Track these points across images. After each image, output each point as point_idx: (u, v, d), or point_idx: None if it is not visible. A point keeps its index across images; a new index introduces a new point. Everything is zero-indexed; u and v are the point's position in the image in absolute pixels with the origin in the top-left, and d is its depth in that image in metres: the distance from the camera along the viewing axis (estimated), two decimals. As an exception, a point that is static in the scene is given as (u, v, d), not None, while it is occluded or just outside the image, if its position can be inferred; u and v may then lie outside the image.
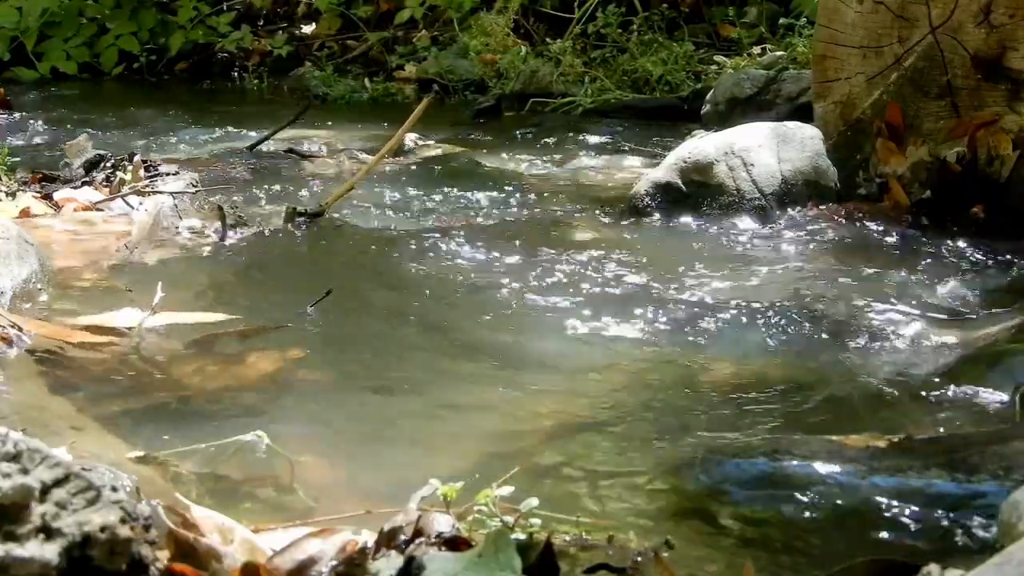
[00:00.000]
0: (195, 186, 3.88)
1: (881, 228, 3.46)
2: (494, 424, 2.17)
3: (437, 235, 3.41)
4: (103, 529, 1.27)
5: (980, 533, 1.64)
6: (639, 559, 1.50)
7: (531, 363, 2.50)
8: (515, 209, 3.88)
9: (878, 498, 1.72)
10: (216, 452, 1.93)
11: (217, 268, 3.23)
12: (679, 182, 3.67)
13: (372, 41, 7.53)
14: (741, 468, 1.83)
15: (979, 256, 3.20)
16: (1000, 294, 2.89)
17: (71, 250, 3.22)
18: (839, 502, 1.73)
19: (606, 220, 3.71)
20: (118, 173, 3.95)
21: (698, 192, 3.65)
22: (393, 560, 1.40)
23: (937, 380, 2.30)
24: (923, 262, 3.15)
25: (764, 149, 3.66)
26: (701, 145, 3.74)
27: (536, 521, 1.60)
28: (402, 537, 1.50)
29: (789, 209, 3.60)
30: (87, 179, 3.99)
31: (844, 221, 3.53)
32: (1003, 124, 3.47)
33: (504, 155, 4.94)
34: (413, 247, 3.32)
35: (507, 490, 1.63)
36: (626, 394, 2.32)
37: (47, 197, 3.75)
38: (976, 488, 1.72)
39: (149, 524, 1.35)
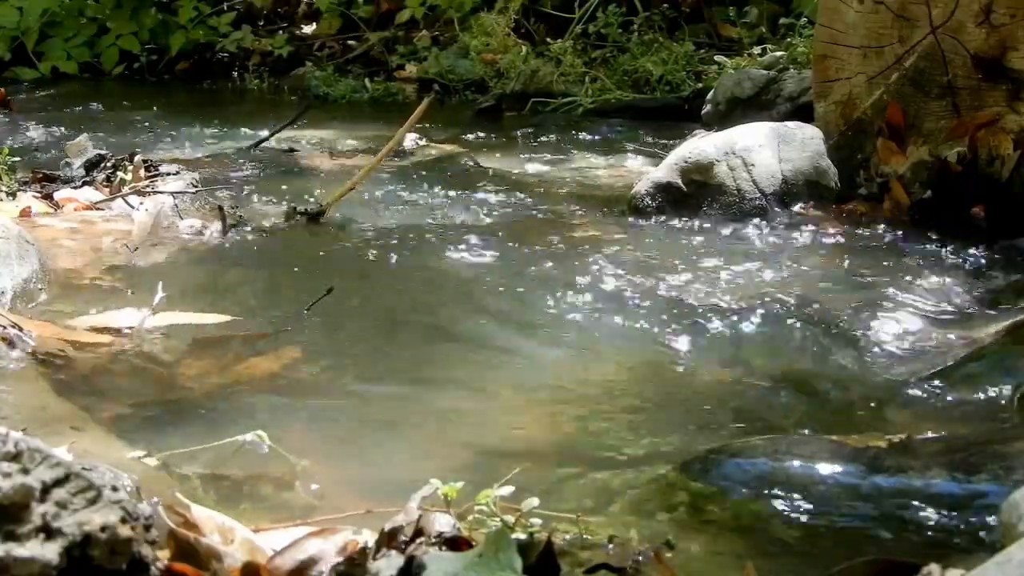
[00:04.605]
0: (195, 186, 3.88)
1: (881, 228, 3.46)
2: (495, 424, 2.17)
3: (437, 235, 3.41)
4: (103, 529, 1.27)
5: (980, 533, 1.64)
6: (639, 559, 1.50)
7: (531, 363, 2.50)
8: (515, 209, 3.88)
9: (878, 498, 1.72)
10: (217, 452, 1.93)
11: (217, 268, 3.23)
12: (679, 182, 3.67)
13: (373, 41, 7.53)
14: (741, 468, 1.83)
15: (979, 256, 3.20)
16: (1000, 294, 2.89)
17: (71, 250, 3.21)
18: (839, 502, 1.73)
19: (606, 220, 3.71)
20: (118, 173, 3.95)
21: (698, 192, 3.65)
22: (394, 560, 1.40)
23: (937, 380, 2.30)
24: (923, 262, 3.15)
25: (765, 149, 3.66)
26: (701, 145, 3.74)
27: (536, 521, 1.60)
28: (403, 537, 1.50)
29: (790, 209, 3.61)
30: (87, 179, 3.99)
31: (845, 221, 3.53)
32: (1004, 124, 3.47)
33: (504, 155, 4.94)
34: (413, 247, 3.32)
35: (507, 490, 1.63)
36: (626, 394, 2.32)
37: (47, 197, 3.75)
38: (976, 488, 1.72)
39: (150, 524, 1.35)
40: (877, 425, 2.11)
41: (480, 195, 4.03)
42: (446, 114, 6.06)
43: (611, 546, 1.55)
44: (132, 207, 3.61)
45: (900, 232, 3.42)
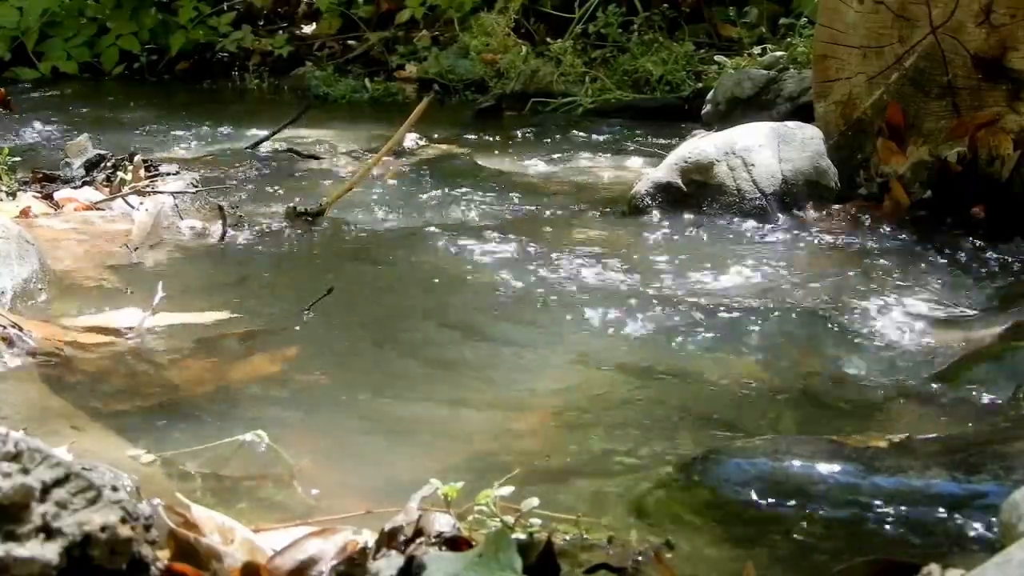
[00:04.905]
0: (195, 186, 3.88)
1: (881, 228, 3.46)
2: (495, 424, 2.17)
3: (437, 235, 3.41)
4: (103, 529, 1.27)
5: (980, 533, 1.64)
6: (639, 559, 1.50)
7: (531, 362, 2.50)
8: (515, 209, 3.88)
9: (878, 498, 1.72)
10: (216, 452, 1.93)
11: (217, 268, 3.23)
12: (679, 182, 3.67)
13: (373, 41, 7.53)
14: (741, 468, 1.83)
15: (979, 256, 3.20)
16: (1000, 294, 2.89)
17: (71, 250, 3.22)
18: (839, 502, 1.73)
19: (606, 220, 3.71)
20: (118, 173, 3.95)
21: (698, 192, 3.65)
22: (394, 560, 1.40)
23: (937, 380, 2.30)
24: (923, 262, 3.15)
25: (765, 149, 3.66)
26: (701, 145, 3.74)
27: (536, 521, 1.61)
28: (402, 537, 1.50)
29: (790, 209, 3.60)
30: (87, 179, 3.99)
31: (845, 221, 3.53)
32: (1003, 124, 3.47)
33: (504, 155, 4.94)
34: (413, 247, 3.32)
35: (507, 490, 1.63)
36: (626, 394, 2.32)
37: (48, 197, 3.75)
38: (976, 488, 1.72)
39: (150, 524, 1.35)
40: (877, 425, 2.11)
41: (480, 195, 4.03)
42: (446, 114, 6.06)
43: (611, 546, 1.55)
44: (132, 207, 3.61)
45: (900, 232, 3.42)
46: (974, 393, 2.23)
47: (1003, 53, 3.47)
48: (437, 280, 3.04)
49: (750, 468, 1.83)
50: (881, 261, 3.16)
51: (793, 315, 2.72)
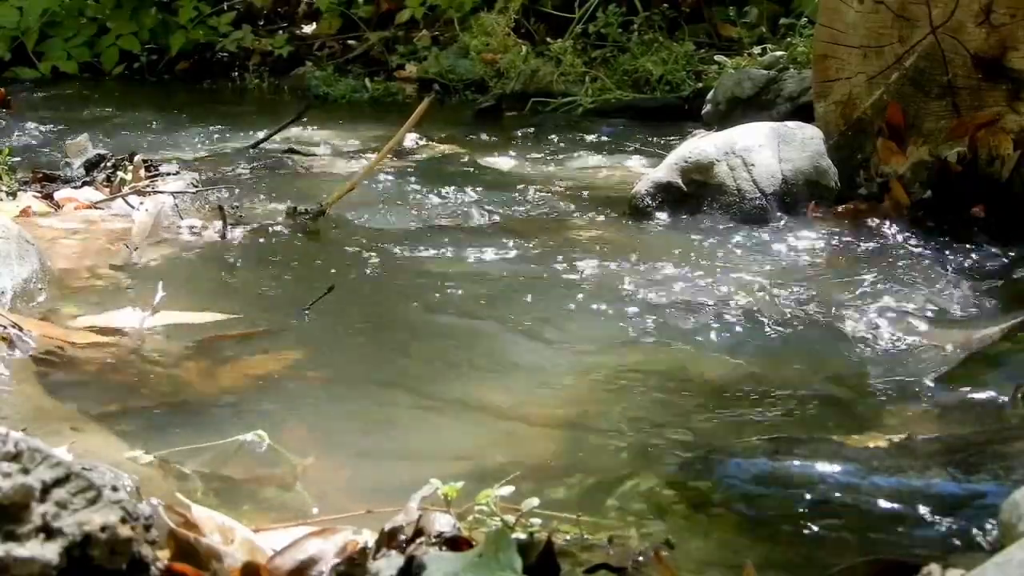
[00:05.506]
0: (195, 186, 3.88)
1: (882, 228, 3.46)
2: (495, 424, 2.17)
3: (437, 235, 3.41)
4: (103, 529, 1.27)
5: (980, 533, 1.64)
6: (639, 559, 1.50)
7: (531, 363, 2.50)
8: (515, 209, 3.88)
9: (878, 498, 1.73)
10: (217, 451, 1.93)
11: (217, 268, 3.23)
12: (680, 182, 3.67)
13: (373, 41, 7.53)
14: (741, 468, 1.83)
15: (979, 256, 3.20)
16: (1000, 294, 2.89)
17: (71, 250, 3.22)
18: (839, 502, 1.73)
19: (606, 220, 3.71)
20: (119, 173, 3.95)
21: (699, 192, 3.65)
22: (394, 560, 1.40)
23: (937, 380, 2.30)
24: (923, 262, 3.15)
25: (765, 149, 3.66)
26: (702, 145, 3.74)
27: (536, 521, 1.61)
28: (403, 537, 1.50)
29: (790, 209, 3.61)
30: (88, 179, 3.99)
31: (845, 221, 3.53)
32: (1004, 124, 3.47)
33: (504, 155, 4.94)
34: (413, 247, 3.32)
35: (507, 490, 1.63)
36: (626, 394, 2.32)
37: (48, 197, 3.75)
38: (976, 488, 1.72)
39: (150, 524, 1.35)
40: (877, 425, 2.11)
41: (480, 195, 4.03)
42: (446, 114, 6.06)
43: (611, 546, 1.55)
44: (132, 207, 3.61)
45: (900, 232, 3.42)
46: (974, 393, 2.22)
47: (1003, 53, 3.47)
48: (438, 280, 3.04)
49: (750, 468, 1.83)
50: (881, 261, 3.16)
51: (793, 315, 2.72)
